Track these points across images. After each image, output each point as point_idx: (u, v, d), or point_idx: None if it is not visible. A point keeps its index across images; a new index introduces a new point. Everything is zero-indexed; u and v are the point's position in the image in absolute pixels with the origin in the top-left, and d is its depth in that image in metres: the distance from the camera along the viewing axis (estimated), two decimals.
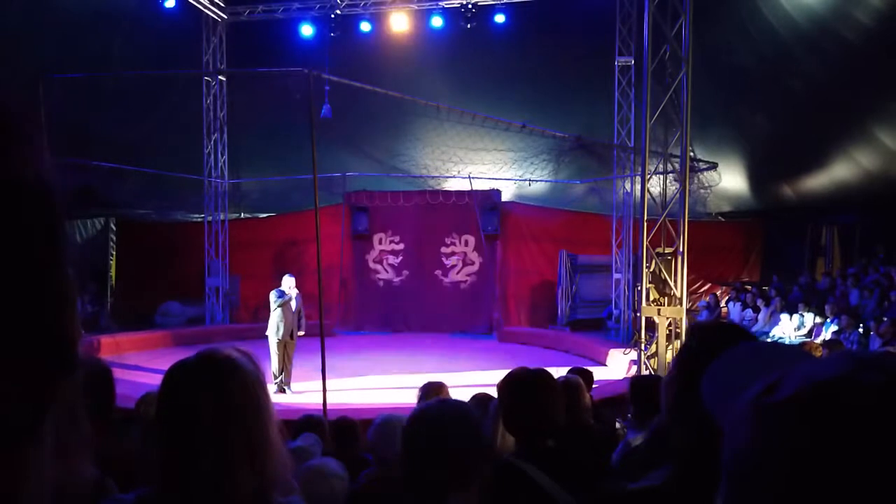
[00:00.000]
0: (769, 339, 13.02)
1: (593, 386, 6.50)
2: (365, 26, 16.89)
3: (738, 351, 1.06)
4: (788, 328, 12.89)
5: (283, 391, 10.49)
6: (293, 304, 10.59)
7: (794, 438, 0.54)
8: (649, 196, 10.48)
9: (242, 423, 1.29)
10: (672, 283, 10.17)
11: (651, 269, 10.23)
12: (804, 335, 12.25)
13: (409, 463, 1.76)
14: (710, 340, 1.51)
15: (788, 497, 0.54)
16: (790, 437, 0.54)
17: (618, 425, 5.21)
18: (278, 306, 10.53)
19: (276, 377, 10.46)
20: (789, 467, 0.54)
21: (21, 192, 0.47)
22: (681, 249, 10.12)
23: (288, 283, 10.67)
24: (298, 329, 10.67)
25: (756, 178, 18.08)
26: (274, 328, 10.56)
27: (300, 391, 10.61)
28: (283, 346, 10.56)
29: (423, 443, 1.74)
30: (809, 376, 0.57)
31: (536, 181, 18.43)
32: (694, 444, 1.42)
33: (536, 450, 2.34)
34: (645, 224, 10.22)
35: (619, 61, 15.57)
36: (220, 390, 1.30)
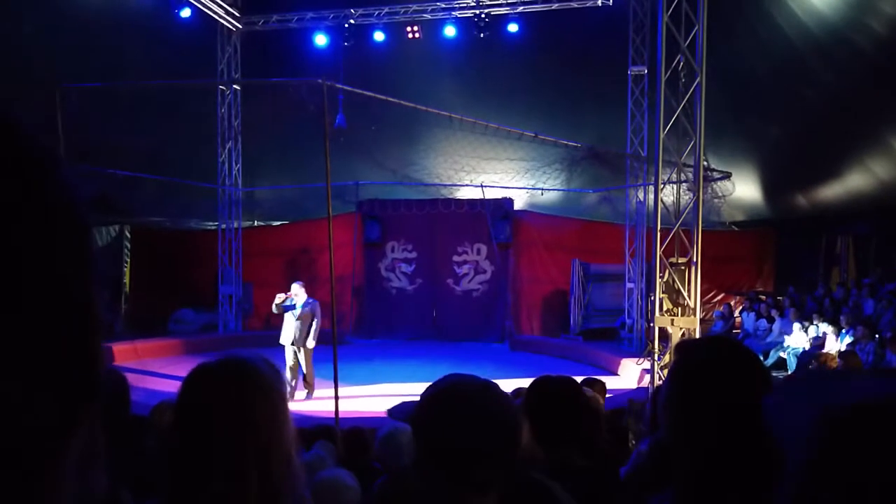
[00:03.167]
0: (783, 350, 12.93)
1: (606, 396, 6.47)
2: (378, 36, 16.95)
3: (803, 375, 1.08)
4: (802, 338, 12.80)
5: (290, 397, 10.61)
6: (297, 311, 10.59)
7: (849, 449, 0.57)
8: (662, 205, 10.45)
9: (258, 429, 1.27)
10: (685, 293, 10.12)
11: (664, 279, 10.19)
12: (819, 346, 12.15)
13: (421, 449, 1.46)
14: (698, 357, 1.52)
15: (849, 500, 0.56)
16: (851, 444, 0.57)
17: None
18: (279, 312, 10.70)
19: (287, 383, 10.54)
20: (845, 475, 0.56)
21: (53, 217, 0.47)
22: (694, 259, 10.08)
23: (293, 291, 10.70)
24: (307, 338, 10.63)
25: (770, 187, 18.00)
26: (282, 335, 10.71)
27: (301, 399, 10.64)
28: (293, 353, 10.64)
29: (437, 422, 1.44)
30: (865, 392, 0.60)
31: (549, 190, 18.43)
32: (698, 466, 1.41)
33: (566, 467, 2.26)
34: (658, 233, 10.19)
35: (633, 70, 15.55)
36: (237, 395, 1.28)
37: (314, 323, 10.56)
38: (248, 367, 1.33)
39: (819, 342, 12.39)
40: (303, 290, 10.71)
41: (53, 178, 0.48)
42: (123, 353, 14.06)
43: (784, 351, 12.92)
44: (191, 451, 1.27)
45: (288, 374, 10.67)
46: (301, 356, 10.62)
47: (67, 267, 0.48)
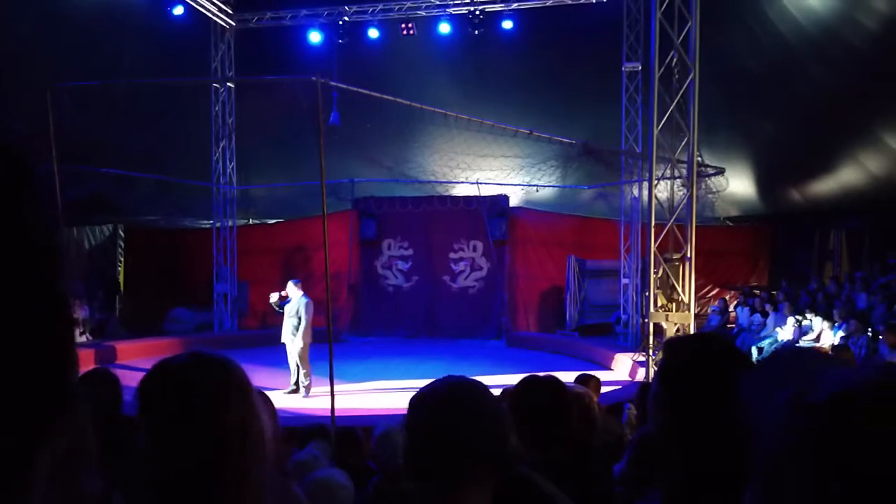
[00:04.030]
0: (776, 344, 12.97)
1: (601, 392, 6.48)
2: (373, 32, 16.92)
3: (777, 356, 1.07)
4: (796, 333, 12.84)
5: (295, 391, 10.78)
6: (287, 309, 10.73)
7: (827, 438, 0.57)
8: (657, 201, 10.49)
9: (226, 424, 1.24)
10: (680, 289, 10.16)
11: (659, 275, 10.22)
12: (812, 340, 12.20)
13: (415, 448, 1.52)
14: (686, 356, 1.53)
15: (819, 494, 0.56)
16: (823, 437, 0.57)
17: (628, 407, 5.29)
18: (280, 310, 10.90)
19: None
20: (821, 466, 0.57)
21: (24, 235, 0.48)
22: (689, 255, 10.12)
23: (287, 289, 10.86)
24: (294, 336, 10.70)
25: (764, 182, 18.05)
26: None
27: (297, 397, 10.68)
28: (290, 351, 10.80)
29: (430, 421, 1.51)
30: (841, 381, 0.60)
31: (544, 187, 18.45)
32: (690, 465, 1.42)
33: (549, 462, 2.29)
34: (652, 229, 10.22)
35: (627, 67, 15.56)
36: (201, 389, 1.26)
37: (301, 322, 10.59)
38: (211, 362, 1.31)
39: (802, 334, 12.47)
40: (296, 288, 10.76)
41: (21, 188, 0.48)
42: (118, 352, 14.09)
43: (779, 345, 12.96)
44: (158, 449, 1.25)
45: (291, 372, 10.85)
46: (295, 354, 10.68)
47: (37, 278, 0.49)
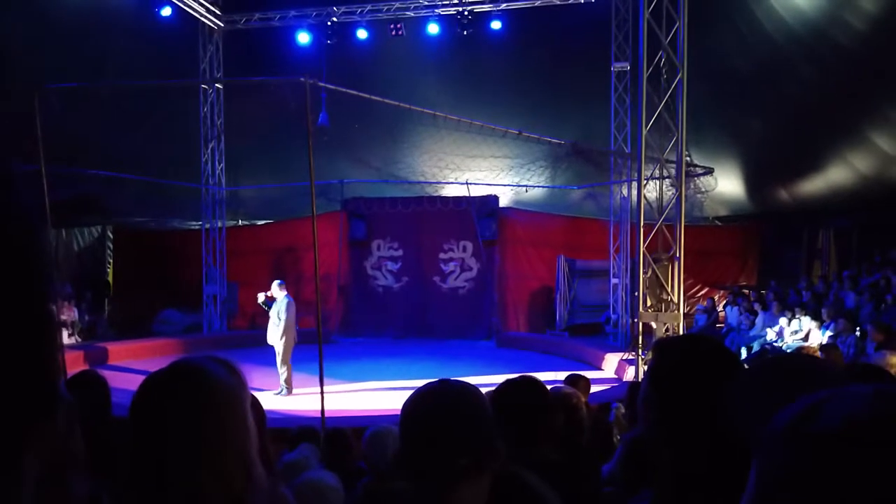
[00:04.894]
0: (766, 344, 13.02)
1: (590, 392, 6.49)
2: (361, 33, 16.90)
3: (765, 368, 1.07)
4: (785, 332, 12.90)
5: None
6: (271, 309, 10.77)
7: (832, 471, 0.56)
8: (646, 201, 10.51)
9: (206, 437, 1.26)
10: (669, 289, 10.19)
11: (648, 275, 10.25)
12: (801, 339, 12.26)
13: (411, 450, 1.56)
14: (676, 356, 1.53)
15: None
16: (828, 469, 0.57)
17: (616, 406, 5.31)
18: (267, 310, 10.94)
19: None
20: (820, 497, 0.56)
21: (3, 237, 0.47)
22: (677, 254, 10.15)
23: (272, 289, 10.87)
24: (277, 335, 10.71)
25: (752, 182, 18.12)
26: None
27: (281, 397, 10.67)
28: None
29: (426, 423, 1.55)
30: (844, 409, 0.59)
31: (533, 187, 18.48)
32: (679, 466, 1.42)
33: (537, 462, 2.30)
34: (641, 230, 10.25)
35: (615, 67, 15.60)
36: (187, 400, 1.27)
37: (281, 322, 10.58)
38: (194, 370, 1.32)
39: (791, 334, 12.57)
40: (279, 289, 10.75)
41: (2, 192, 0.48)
42: (109, 354, 14.02)
43: (769, 345, 13.02)
44: (144, 455, 1.27)
45: (279, 373, 10.84)
46: (279, 355, 10.67)
47: (17, 281, 0.48)
